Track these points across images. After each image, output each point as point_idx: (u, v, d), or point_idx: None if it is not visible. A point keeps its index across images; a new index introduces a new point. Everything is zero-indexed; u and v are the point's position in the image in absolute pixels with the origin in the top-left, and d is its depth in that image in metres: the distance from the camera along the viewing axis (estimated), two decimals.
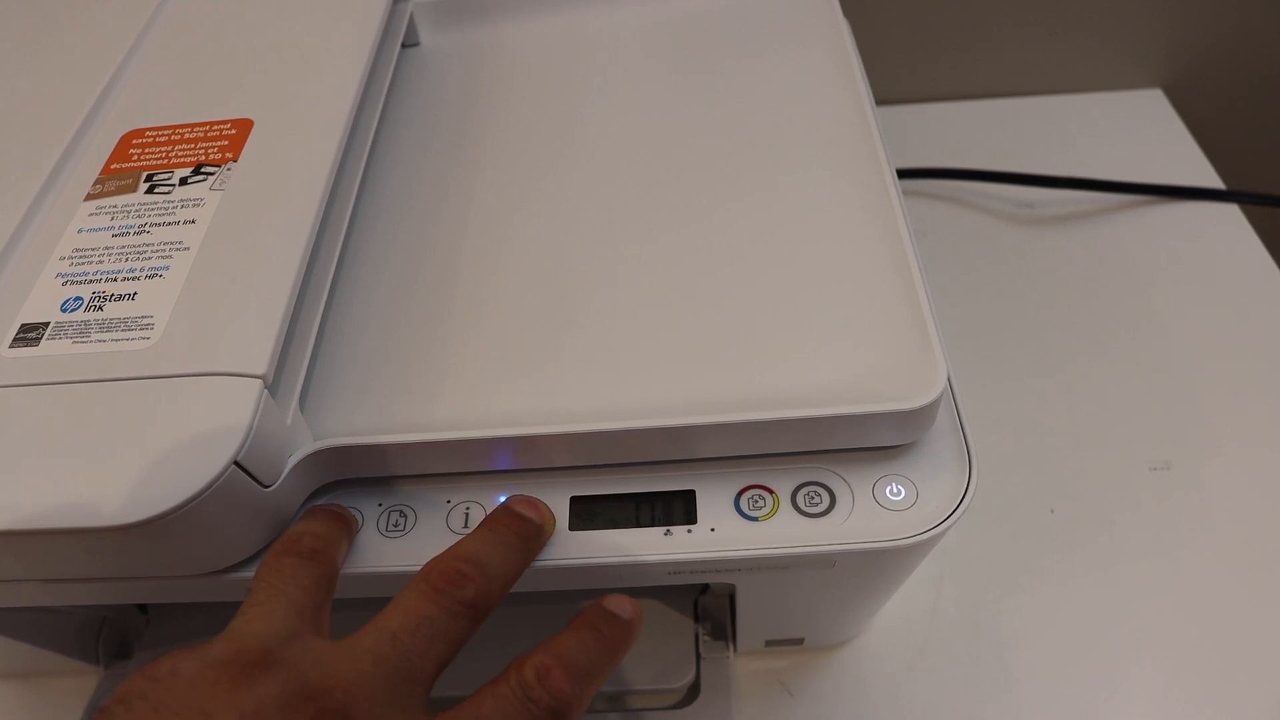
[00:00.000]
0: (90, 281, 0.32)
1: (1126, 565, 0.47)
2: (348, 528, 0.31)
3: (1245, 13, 0.69)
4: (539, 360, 0.32)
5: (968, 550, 0.48)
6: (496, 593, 0.27)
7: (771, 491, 0.31)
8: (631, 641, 0.29)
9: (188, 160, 0.35)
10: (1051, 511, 0.49)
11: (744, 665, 0.44)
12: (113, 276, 0.32)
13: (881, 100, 0.42)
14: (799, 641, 0.43)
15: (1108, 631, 0.44)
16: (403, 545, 0.31)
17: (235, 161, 0.35)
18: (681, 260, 0.35)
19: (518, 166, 0.40)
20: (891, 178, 0.37)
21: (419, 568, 0.30)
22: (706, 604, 0.43)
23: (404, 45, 0.46)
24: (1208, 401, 0.53)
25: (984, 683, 0.43)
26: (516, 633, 0.41)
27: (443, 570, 0.27)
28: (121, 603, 0.35)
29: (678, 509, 0.31)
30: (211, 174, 0.35)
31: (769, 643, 0.43)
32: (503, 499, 0.31)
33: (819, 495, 0.31)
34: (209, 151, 0.36)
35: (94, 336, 0.30)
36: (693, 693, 0.42)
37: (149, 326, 0.30)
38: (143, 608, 0.46)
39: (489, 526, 0.29)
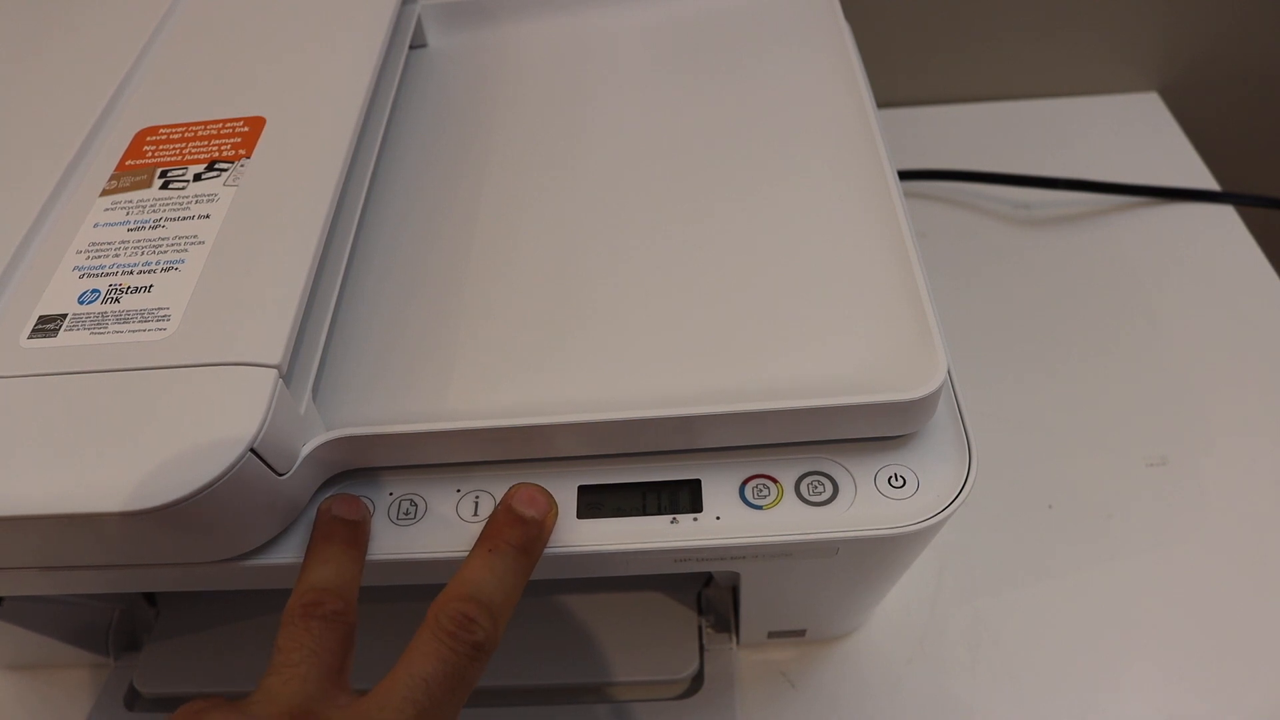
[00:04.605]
0: (106, 274, 0.32)
1: (1124, 559, 0.47)
2: (363, 553, 0.31)
3: (1239, 18, 0.70)
4: (547, 352, 0.33)
5: (967, 545, 0.48)
6: (503, 624, 0.28)
7: (775, 481, 0.31)
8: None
9: (201, 157, 0.36)
10: (1050, 507, 0.50)
11: (747, 657, 0.44)
12: (129, 270, 0.32)
13: (881, 103, 0.43)
14: (801, 633, 0.44)
15: (1106, 624, 0.45)
16: (413, 533, 0.31)
17: (248, 158, 0.36)
18: (687, 256, 0.35)
19: (524, 164, 0.40)
20: (893, 177, 0.37)
21: (429, 556, 0.31)
22: (710, 596, 0.44)
23: (412, 47, 0.47)
24: (1203, 398, 0.53)
25: (983, 675, 0.44)
26: (522, 622, 0.42)
27: (451, 615, 0.27)
28: (137, 590, 0.35)
29: (684, 498, 0.31)
30: (225, 170, 0.35)
31: (771, 634, 0.44)
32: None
33: (822, 484, 0.31)
34: (222, 148, 0.36)
35: (111, 328, 0.30)
36: (696, 683, 0.42)
37: (165, 318, 0.30)
38: (151, 601, 0.46)
39: (489, 544, 0.29)
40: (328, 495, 0.32)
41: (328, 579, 0.29)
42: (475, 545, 0.30)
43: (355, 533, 0.31)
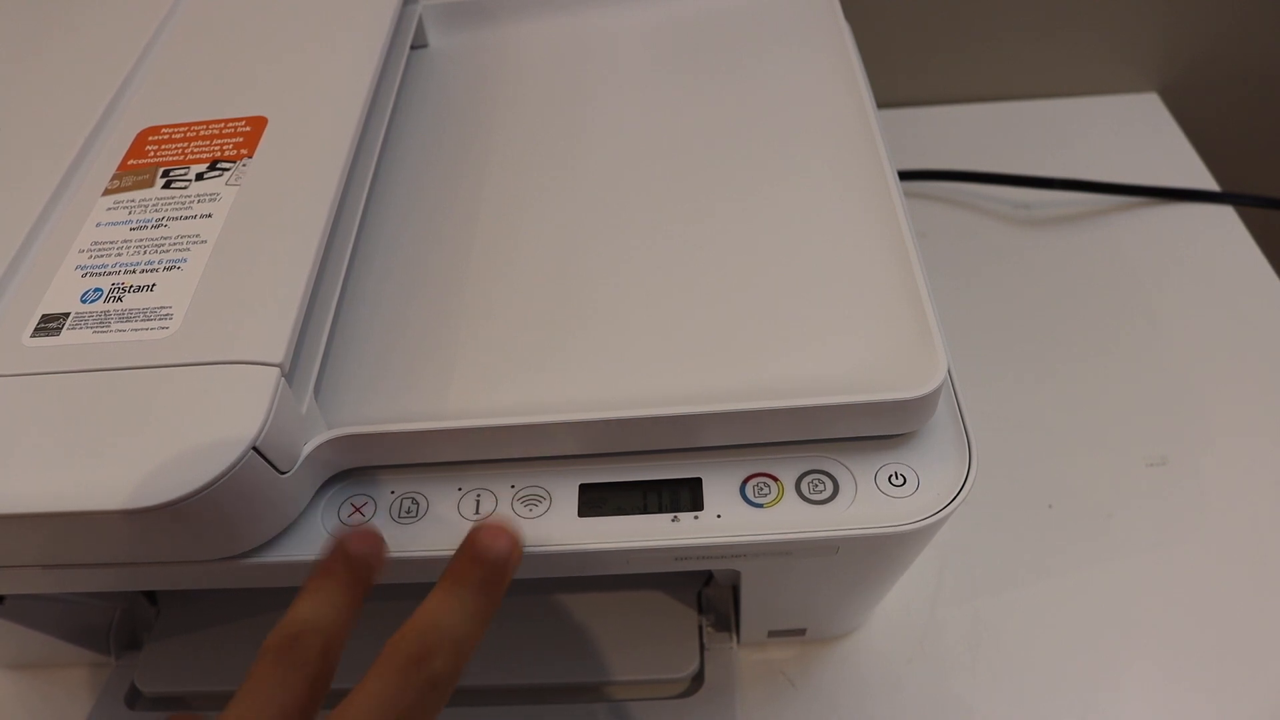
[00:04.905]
0: (109, 273, 0.32)
1: (1124, 559, 0.47)
2: (362, 595, 0.29)
3: (1239, 18, 0.70)
4: (547, 351, 0.33)
5: (968, 545, 0.48)
6: (463, 661, 0.27)
7: (776, 479, 0.32)
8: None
9: (203, 156, 0.36)
10: (1050, 506, 0.50)
11: (747, 656, 0.44)
12: (131, 269, 0.32)
13: (881, 103, 0.43)
14: (801, 633, 0.44)
15: (1106, 624, 0.45)
16: (415, 531, 0.31)
17: (250, 158, 0.36)
18: (688, 256, 0.35)
19: (525, 164, 0.41)
20: (893, 177, 0.37)
21: (431, 554, 0.31)
22: (710, 595, 0.44)
23: (413, 47, 0.47)
24: (1203, 398, 0.54)
25: (983, 675, 0.44)
26: (522, 621, 0.43)
27: (407, 650, 0.26)
28: (139, 588, 0.35)
29: (685, 496, 0.31)
30: (227, 170, 0.35)
31: (772, 634, 0.44)
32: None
33: (822, 483, 0.31)
34: (224, 148, 0.36)
35: (114, 326, 0.30)
36: (697, 682, 0.43)
37: (168, 317, 0.30)
38: (152, 600, 0.46)
39: (452, 579, 0.28)
40: (345, 530, 0.30)
41: (316, 617, 0.27)
42: (438, 581, 0.28)
43: (358, 573, 0.29)
